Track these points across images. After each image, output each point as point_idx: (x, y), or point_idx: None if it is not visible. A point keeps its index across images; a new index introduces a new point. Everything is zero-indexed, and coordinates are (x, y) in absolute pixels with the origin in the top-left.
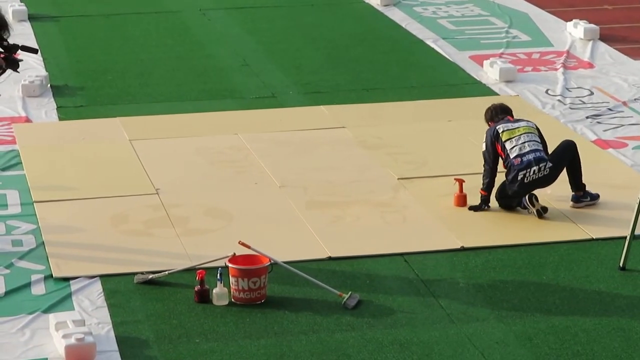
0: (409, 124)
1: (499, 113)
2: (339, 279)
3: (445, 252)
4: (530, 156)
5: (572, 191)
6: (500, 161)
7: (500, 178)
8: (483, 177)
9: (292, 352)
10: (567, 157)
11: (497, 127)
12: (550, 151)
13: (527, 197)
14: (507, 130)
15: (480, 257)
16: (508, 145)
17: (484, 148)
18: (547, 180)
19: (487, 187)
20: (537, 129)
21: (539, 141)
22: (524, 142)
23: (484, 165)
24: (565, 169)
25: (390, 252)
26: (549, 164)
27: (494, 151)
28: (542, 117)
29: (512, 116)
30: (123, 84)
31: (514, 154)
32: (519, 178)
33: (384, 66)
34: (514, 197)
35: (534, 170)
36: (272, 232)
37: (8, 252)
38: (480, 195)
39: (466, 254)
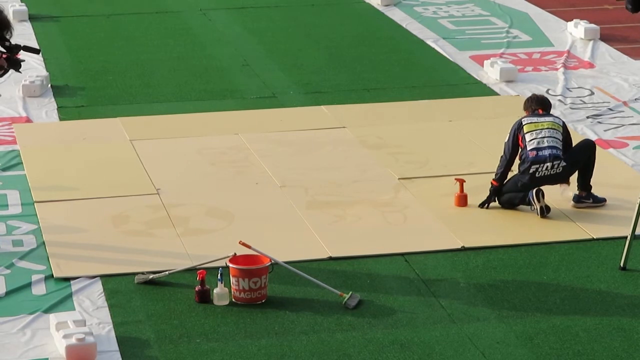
0: (410, 124)
1: (533, 104)
2: (340, 279)
3: (446, 252)
4: (547, 152)
5: (577, 189)
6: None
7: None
8: (498, 167)
9: (293, 352)
10: (583, 156)
11: (522, 120)
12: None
13: (534, 191)
14: (531, 122)
15: (480, 257)
16: (528, 138)
17: (507, 139)
18: (558, 178)
19: (500, 177)
20: (564, 126)
21: (560, 139)
22: (544, 137)
23: (501, 156)
24: None
25: (391, 252)
26: (563, 163)
27: (514, 142)
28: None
29: (545, 109)
30: (124, 84)
31: (531, 147)
32: (531, 171)
33: (385, 66)
34: (522, 190)
35: (547, 167)
36: (272, 232)
37: (9, 252)
38: (490, 185)
39: (467, 253)
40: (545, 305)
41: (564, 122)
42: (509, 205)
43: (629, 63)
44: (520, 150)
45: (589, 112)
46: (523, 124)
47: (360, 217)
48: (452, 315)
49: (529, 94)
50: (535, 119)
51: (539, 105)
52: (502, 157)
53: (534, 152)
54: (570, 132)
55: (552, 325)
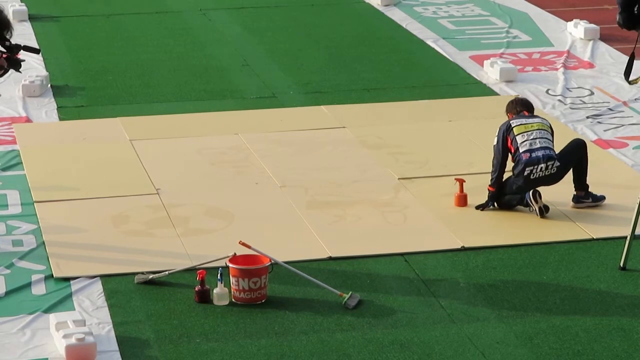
0: (410, 124)
1: (517, 106)
2: (340, 279)
3: (446, 252)
4: (540, 153)
5: (575, 190)
6: (510, 155)
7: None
8: (491, 172)
9: (293, 352)
10: (575, 156)
11: (510, 122)
12: (558, 149)
13: (530, 193)
14: (521, 124)
15: (480, 257)
16: (519, 139)
17: (495, 142)
18: (552, 179)
19: (495, 182)
20: (551, 127)
21: (551, 139)
22: (535, 139)
23: (493, 160)
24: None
25: (391, 252)
26: (557, 163)
27: (504, 145)
28: (542, 117)
29: (530, 111)
30: (123, 84)
31: (524, 149)
32: (525, 173)
33: (385, 66)
34: (517, 192)
35: (541, 168)
36: (272, 232)
37: (8, 252)
38: (487, 191)
39: (467, 253)
40: (545, 305)
41: (549, 123)
42: (508, 206)
43: None
44: (512, 153)
45: (589, 112)
46: (512, 126)
47: (360, 217)
48: (452, 315)
49: (529, 94)
50: (524, 121)
51: (524, 107)
52: (493, 161)
53: (527, 154)
54: (569, 132)
55: (552, 325)
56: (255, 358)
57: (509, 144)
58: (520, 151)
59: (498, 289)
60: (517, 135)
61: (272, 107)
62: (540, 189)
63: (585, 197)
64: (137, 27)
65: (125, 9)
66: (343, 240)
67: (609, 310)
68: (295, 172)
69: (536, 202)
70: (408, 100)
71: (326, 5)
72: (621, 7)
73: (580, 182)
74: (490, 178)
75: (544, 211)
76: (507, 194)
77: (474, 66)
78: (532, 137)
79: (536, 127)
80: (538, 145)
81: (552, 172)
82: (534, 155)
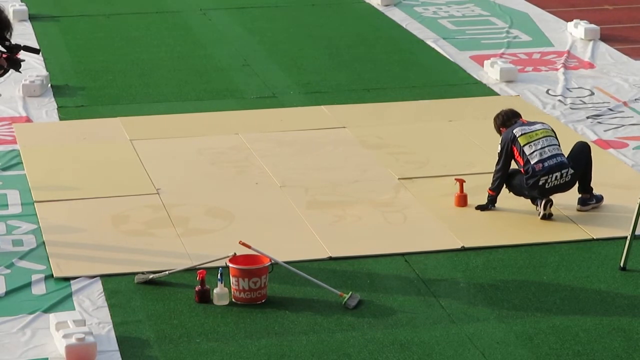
0: (410, 124)
1: (511, 117)
2: (340, 279)
3: (446, 252)
4: (552, 161)
5: (579, 193)
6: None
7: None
8: (493, 176)
9: (293, 352)
10: (583, 160)
11: (513, 130)
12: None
13: (544, 200)
14: (525, 133)
15: (480, 257)
16: (527, 150)
17: (499, 149)
18: (568, 185)
19: (497, 187)
20: (553, 130)
21: (558, 144)
22: (544, 147)
23: (495, 166)
24: None
25: (391, 252)
26: (571, 171)
27: (508, 153)
28: (542, 117)
29: (520, 117)
30: (124, 83)
31: (535, 160)
32: (540, 184)
33: (385, 66)
34: (529, 197)
35: (556, 176)
36: (272, 232)
37: (8, 252)
38: (487, 194)
39: (467, 253)
40: (545, 305)
41: (550, 126)
42: (518, 194)
43: (629, 63)
44: (522, 165)
45: (589, 113)
46: (517, 136)
47: (360, 217)
48: (452, 315)
49: (529, 94)
50: (527, 129)
51: (516, 116)
52: (496, 167)
53: (540, 165)
54: (570, 132)
55: (552, 325)
56: (255, 358)
57: (517, 155)
58: (532, 163)
59: (498, 289)
60: (523, 146)
61: (272, 107)
62: None
63: (590, 200)
64: (137, 27)
65: (125, 9)
66: (343, 240)
67: (609, 310)
68: (295, 172)
69: (544, 209)
70: (408, 100)
71: (326, 5)
72: None
73: (586, 185)
74: (491, 181)
75: (546, 217)
76: (519, 187)
77: (474, 66)
78: (540, 147)
79: (541, 135)
80: (548, 154)
81: (567, 179)
82: (546, 164)
